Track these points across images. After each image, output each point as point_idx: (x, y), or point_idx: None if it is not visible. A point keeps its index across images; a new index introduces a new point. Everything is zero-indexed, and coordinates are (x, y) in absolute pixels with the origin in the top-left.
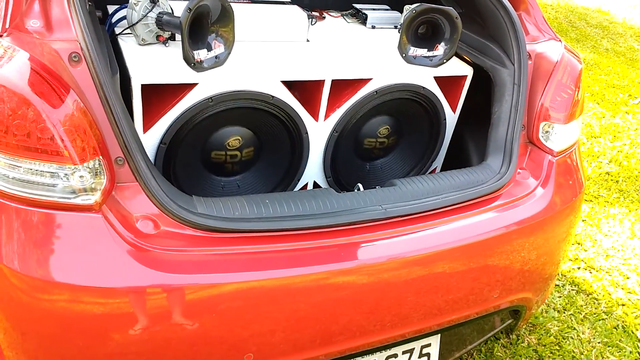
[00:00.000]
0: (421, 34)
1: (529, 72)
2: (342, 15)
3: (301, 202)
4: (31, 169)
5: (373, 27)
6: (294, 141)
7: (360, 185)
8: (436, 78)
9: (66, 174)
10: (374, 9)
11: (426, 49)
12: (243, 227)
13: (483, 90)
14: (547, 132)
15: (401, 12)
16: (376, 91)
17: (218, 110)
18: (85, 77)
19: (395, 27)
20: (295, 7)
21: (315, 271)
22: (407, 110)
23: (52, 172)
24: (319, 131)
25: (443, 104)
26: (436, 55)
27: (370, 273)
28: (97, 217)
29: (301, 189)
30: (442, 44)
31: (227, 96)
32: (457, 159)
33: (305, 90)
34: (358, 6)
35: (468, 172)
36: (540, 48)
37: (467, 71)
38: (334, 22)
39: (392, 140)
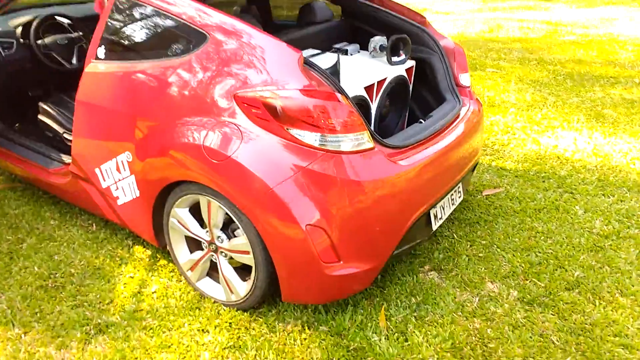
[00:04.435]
0: (393, 49)
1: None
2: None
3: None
4: (356, 137)
5: (351, 55)
6: (367, 113)
7: (422, 120)
8: (406, 70)
9: (365, 136)
10: (346, 46)
11: (397, 56)
12: (407, 143)
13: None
14: (461, 78)
15: (356, 42)
16: (390, 81)
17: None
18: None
19: (358, 52)
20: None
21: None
22: (397, 88)
23: (360, 137)
24: (373, 107)
25: (408, 81)
26: (403, 58)
27: (447, 151)
28: (377, 150)
29: None
30: (403, 52)
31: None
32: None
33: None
34: (337, 46)
35: (447, 105)
36: (443, 42)
37: (413, 63)
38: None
39: (391, 106)
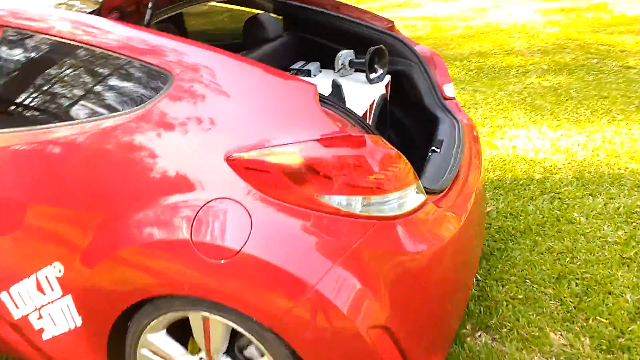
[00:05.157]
0: (369, 64)
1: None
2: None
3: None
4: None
5: (314, 75)
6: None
7: (435, 149)
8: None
9: (415, 187)
10: (306, 65)
11: (374, 73)
12: (445, 185)
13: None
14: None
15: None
16: (377, 102)
17: None
18: None
19: (320, 71)
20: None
21: None
22: (382, 109)
23: (411, 190)
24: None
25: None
26: (381, 74)
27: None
28: (429, 204)
29: None
30: (379, 66)
31: None
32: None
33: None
34: (295, 66)
35: (445, 127)
36: (419, 50)
37: (389, 77)
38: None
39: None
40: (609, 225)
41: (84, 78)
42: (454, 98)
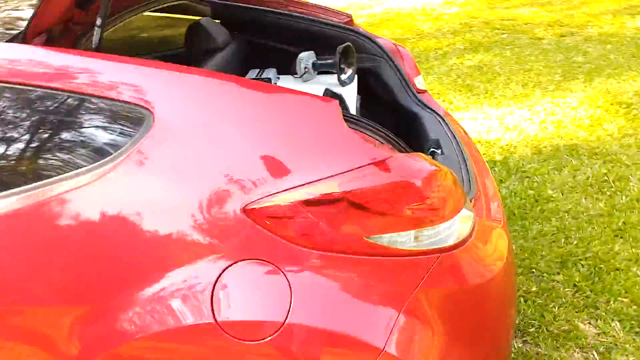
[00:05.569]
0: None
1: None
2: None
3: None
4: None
5: (274, 84)
6: None
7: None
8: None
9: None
10: (261, 73)
11: (344, 74)
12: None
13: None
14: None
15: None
16: (357, 106)
17: None
18: None
19: (278, 78)
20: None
21: None
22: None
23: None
24: None
25: None
26: (351, 74)
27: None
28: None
29: None
30: (348, 65)
31: None
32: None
33: None
34: (251, 75)
35: (431, 123)
36: (382, 42)
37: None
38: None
39: None
40: (586, 198)
41: (22, 129)
42: (425, 90)
